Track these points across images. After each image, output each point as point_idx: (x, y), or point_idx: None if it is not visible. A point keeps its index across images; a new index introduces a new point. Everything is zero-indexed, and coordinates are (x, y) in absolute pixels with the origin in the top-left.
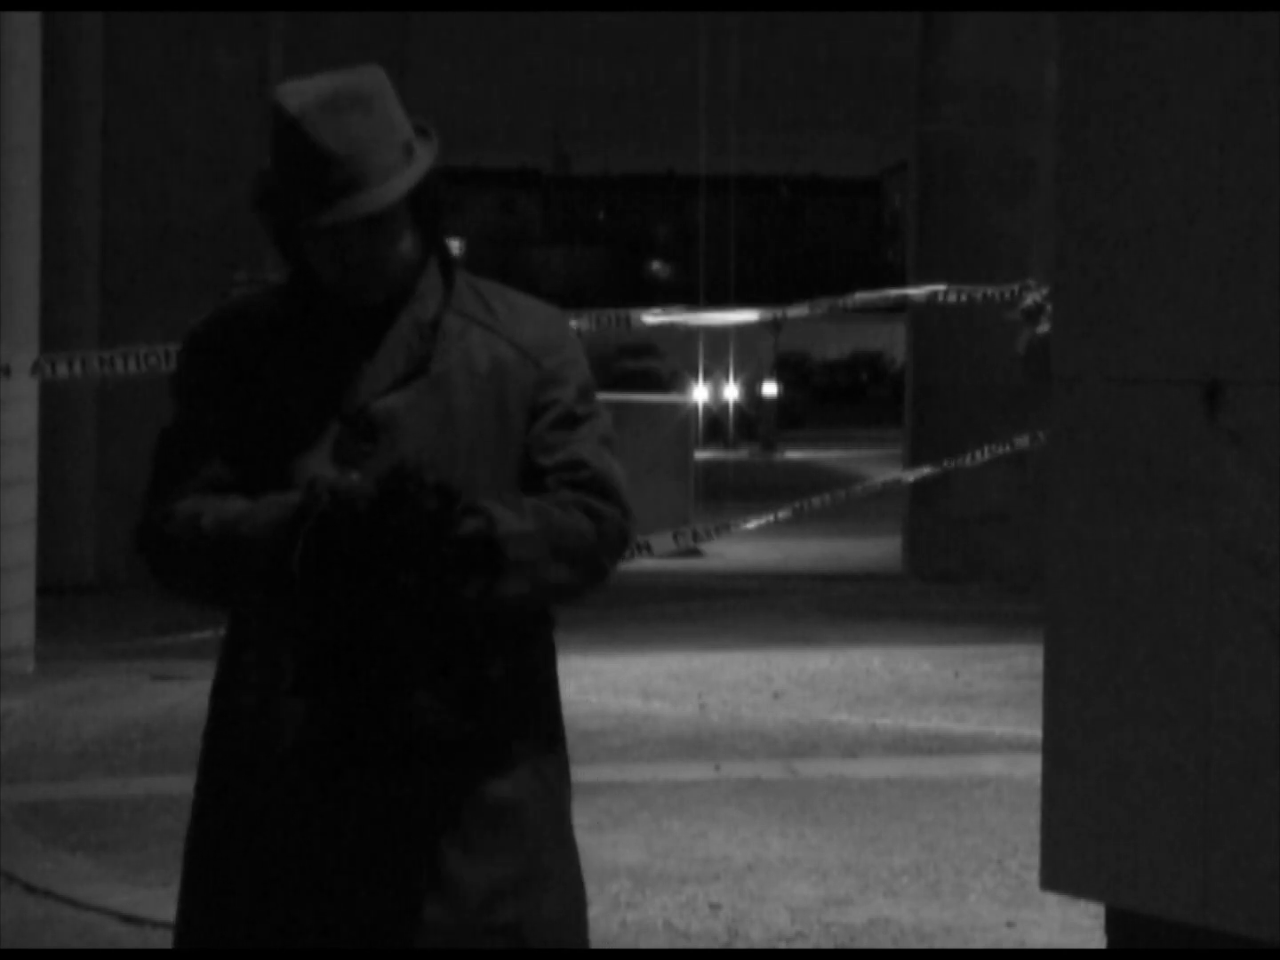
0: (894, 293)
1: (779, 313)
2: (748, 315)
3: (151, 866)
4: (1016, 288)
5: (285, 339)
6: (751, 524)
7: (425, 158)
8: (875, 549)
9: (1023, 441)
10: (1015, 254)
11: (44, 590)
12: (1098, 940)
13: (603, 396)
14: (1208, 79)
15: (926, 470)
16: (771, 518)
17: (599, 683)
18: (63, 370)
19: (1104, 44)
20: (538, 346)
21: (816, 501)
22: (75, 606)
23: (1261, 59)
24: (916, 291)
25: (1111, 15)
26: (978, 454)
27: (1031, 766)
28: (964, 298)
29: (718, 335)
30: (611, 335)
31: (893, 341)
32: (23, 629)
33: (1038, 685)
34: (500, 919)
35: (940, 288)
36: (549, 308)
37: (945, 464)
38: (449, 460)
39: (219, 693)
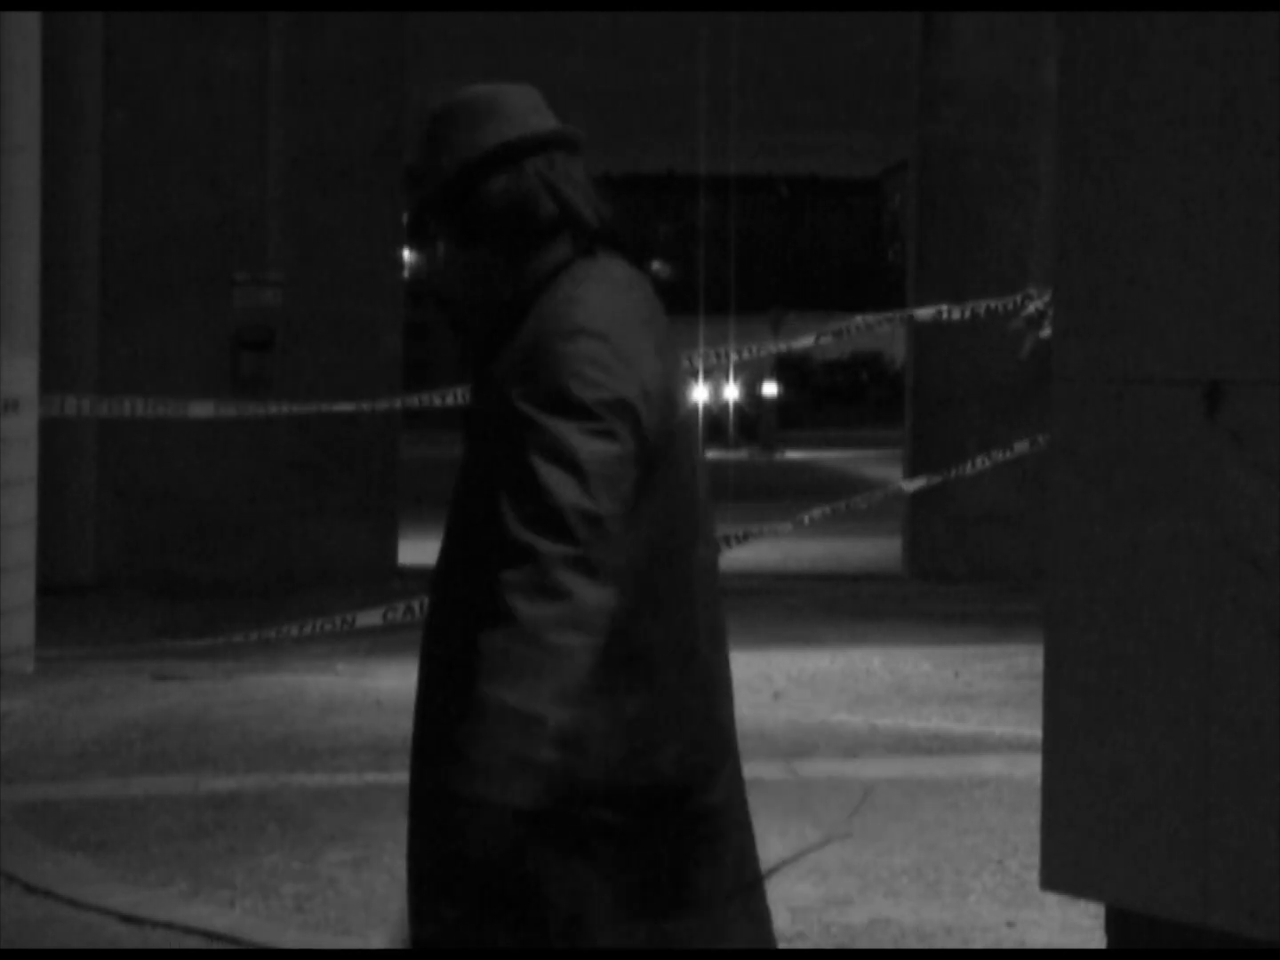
0: (898, 314)
1: (781, 346)
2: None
3: (151, 866)
4: (1019, 298)
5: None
6: (754, 537)
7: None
8: (875, 549)
9: (1022, 446)
10: (1015, 253)
11: (44, 590)
12: (1098, 940)
13: None
14: (1208, 79)
15: (924, 481)
16: (773, 531)
17: None
18: (70, 408)
19: (1104, 44)
20: (525, 347)
21: (817, 514)
22: (75, 606)
23: (1261, 59)
24: (921, 311)
25: (1111, 15)
26: (977, 461)
27: (1031, 766)
28: (968, 314)
29: (717, 336)
30: None
31: (892, 341)
32: (23, 629)
33: (1038, 685)
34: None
35: (944, 307)
36: (572, 299)
37: (946, 474)
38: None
39: None
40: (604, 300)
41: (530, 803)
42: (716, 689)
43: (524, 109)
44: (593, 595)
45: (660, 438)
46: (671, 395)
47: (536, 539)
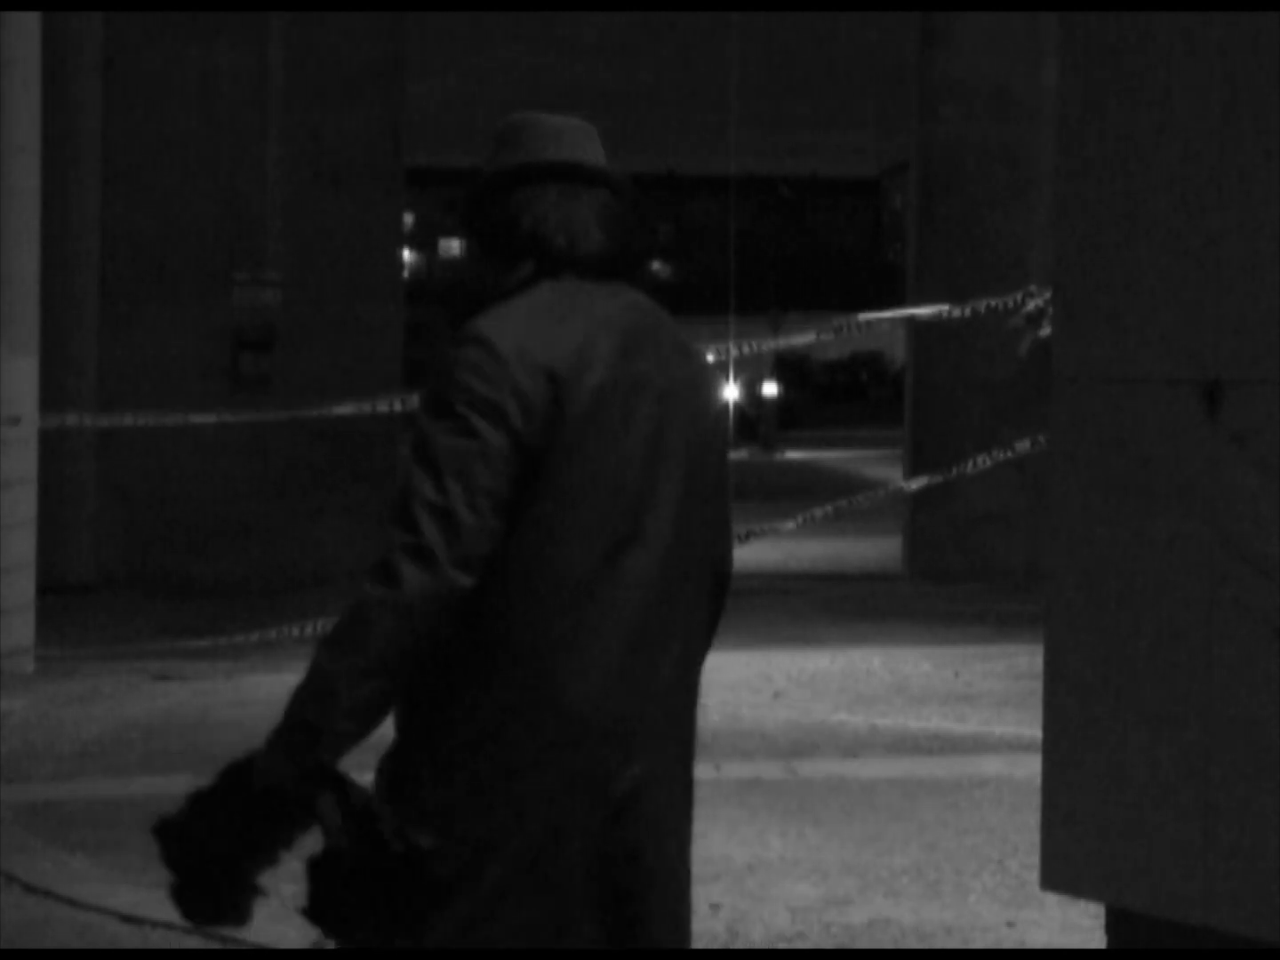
0: (899, 313)
1: (781, 341)
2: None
3: (152, 866)
4: (1019, 296)
5: None
6: (753, 539)
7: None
8: (875, 549)
9: (1023, 446)
10: (1015, 253)
11: (44, 590)
12: (1098, 940)
13: None
14: (1208, 79)
15: (925, 480)
16: (774, 529)
17: None
18: (71, 421)
19: (1104, 44)
20: None
21: (819, 513)
22: (75, 606)
23: (1261, 59)
24: (922, 311)
25: (1111, 15)
26: (978, 460)
27: (1031, 766)
28: (969, 312)
29: (717, 335)
30: None
31: (892, 341)
32: (23, 629)
33: (1038, 685)
34: None
35: (944, 306)
36: (492, 311)
37: (947, 474)
38: None
39: None
40: (518, 311)
41: (301, 761)
42: (632, 692)
43: (543, 139)
44: (420, 583)
45: (545, 437)
46: (567, 399)
47: (391, 528)
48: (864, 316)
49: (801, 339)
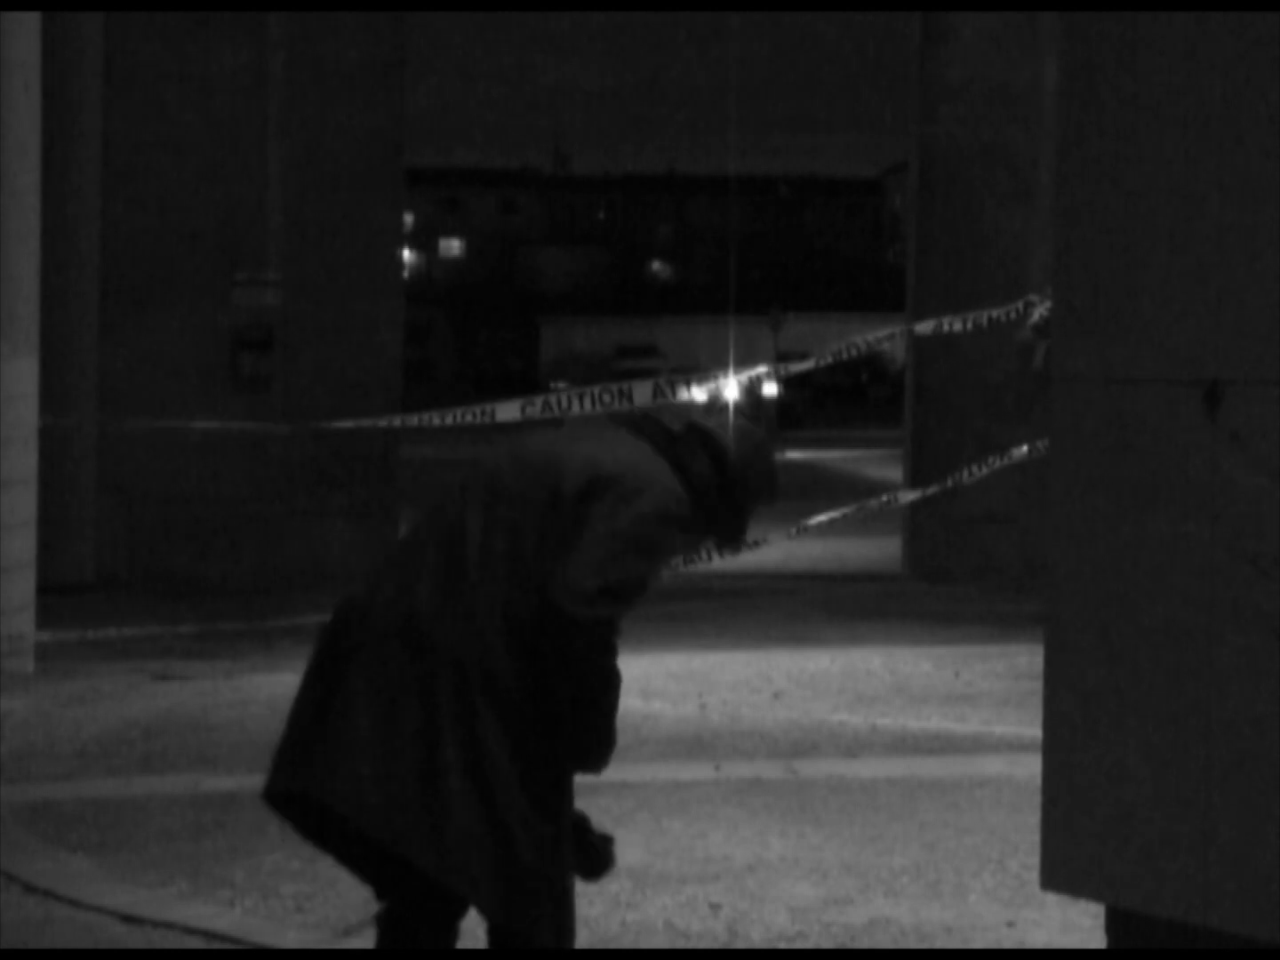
0: (898, 330)
1: (783, 368)
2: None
3: (151, 866)
4: (1021, 305)
5: None
6: (745, 552)
7: None
8: (875, 549)
9: (1021, 452)
10: (1015, 254)
11: (44, 590)
12: (1098, 940)
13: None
14: (1208, 78)
15: (920, 493)
16: (765, 540)
17: None
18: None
19: (1104, 44)
20: None
21: (814, 522)
22: (75, 606)
23: (1261, 59)
24: (921, 325)
25: (1111, 15)
26: (975, 468)
27: (1031, 766)
28: (969, 325)
29: (718, 334)
30: (612, 334)
31: (892, 341)
32: (23, 629)
33: (1038, 685)
34: None
35: (945, 319)
36: None
37: (943, 484)
38: None
39: None
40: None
41: None
42: (389, 618)
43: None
44: None
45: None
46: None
47: None
48: (863, 340)
49: (800, 367)
